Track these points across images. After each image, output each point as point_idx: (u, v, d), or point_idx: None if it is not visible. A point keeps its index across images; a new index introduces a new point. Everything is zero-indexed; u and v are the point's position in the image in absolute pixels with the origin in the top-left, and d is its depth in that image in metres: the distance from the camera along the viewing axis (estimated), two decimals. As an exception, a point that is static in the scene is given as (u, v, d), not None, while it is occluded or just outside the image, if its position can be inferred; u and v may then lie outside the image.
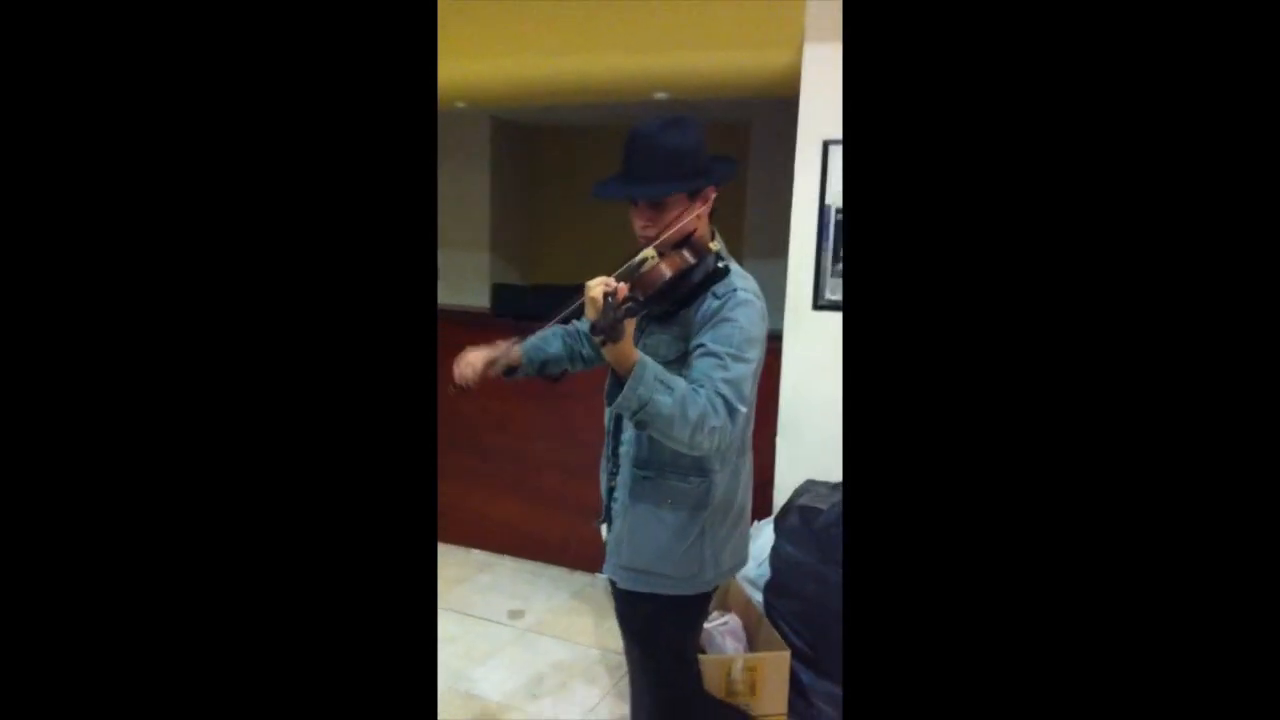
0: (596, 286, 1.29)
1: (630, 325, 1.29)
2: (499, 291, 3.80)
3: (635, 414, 1.32)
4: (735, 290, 1.44)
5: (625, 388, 1.30)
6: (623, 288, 1.30)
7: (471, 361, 1.58)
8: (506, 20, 3.04)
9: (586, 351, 1.74)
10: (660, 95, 3.03)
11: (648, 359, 1.33)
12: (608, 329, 1.24)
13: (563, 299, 1.50)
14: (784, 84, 2.66)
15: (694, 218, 1.46)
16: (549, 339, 1.73)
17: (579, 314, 1.50)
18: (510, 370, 1.68)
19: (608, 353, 1.30)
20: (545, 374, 1.73)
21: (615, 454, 1.60)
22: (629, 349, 1.30)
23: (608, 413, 1.62)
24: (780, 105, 2.97)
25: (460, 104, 3.49)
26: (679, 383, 1.34)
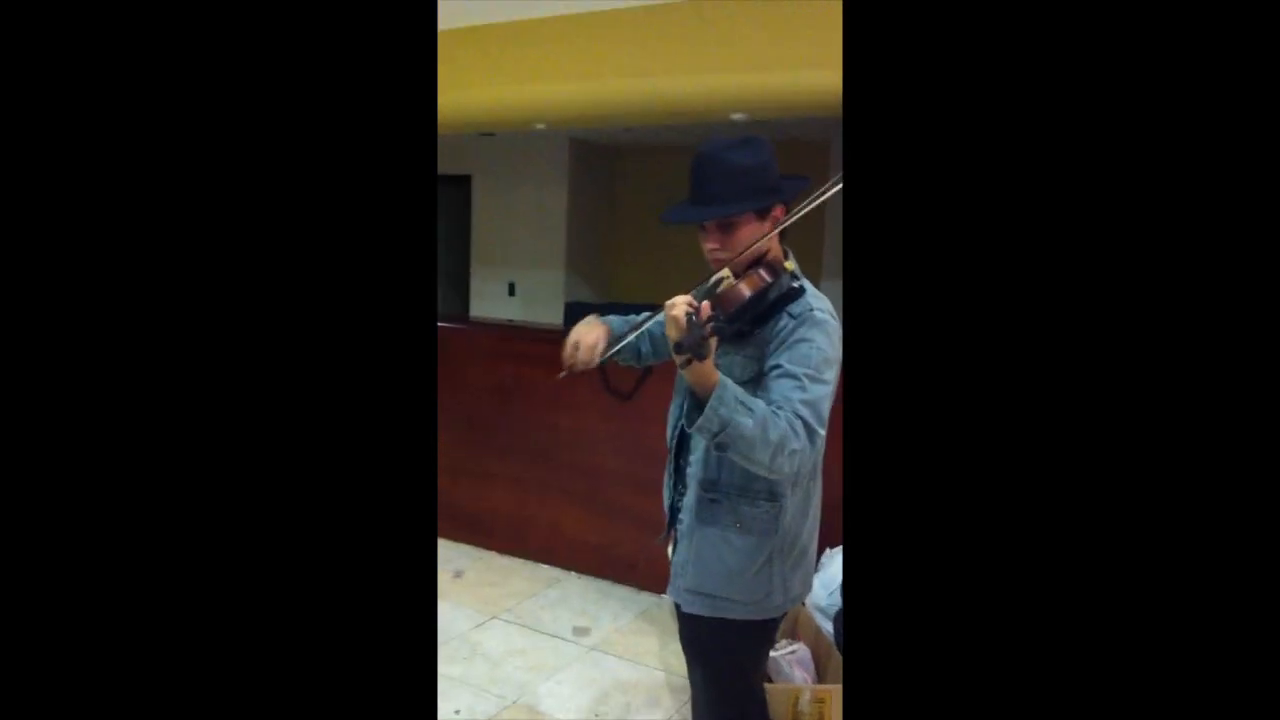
0: (680, 305, 1.26)
1: (713, 344, 1.27)
2: (572, 309, 3.85)
3: (716, 435, 1.29)
4: (811, 310, 1.41)
5: (707, 409, 1.27)
6: (705, 305, 1.28)
7: (592, 345, 1.52)
8: (584, 42, 3.10)
9: (645, 348, 1.71)
10: (737, 116, 3.03)
11: (728, 380, 1.31)
12: (694, 346, 1.22)
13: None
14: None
15: (765, 238, 1.44)
16: (641, 335, 1.68)
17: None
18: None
19: (689, 374, 1.28)
20: (616, 358, 1.67)
21: (679, 473, 1.58)
22: (711, 369, 1.28)
23: (669, 431, 1.60)
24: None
25: (539, 125, 3.57)
26: (759, 404, 1.31)
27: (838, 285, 3.59)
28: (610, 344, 1.56)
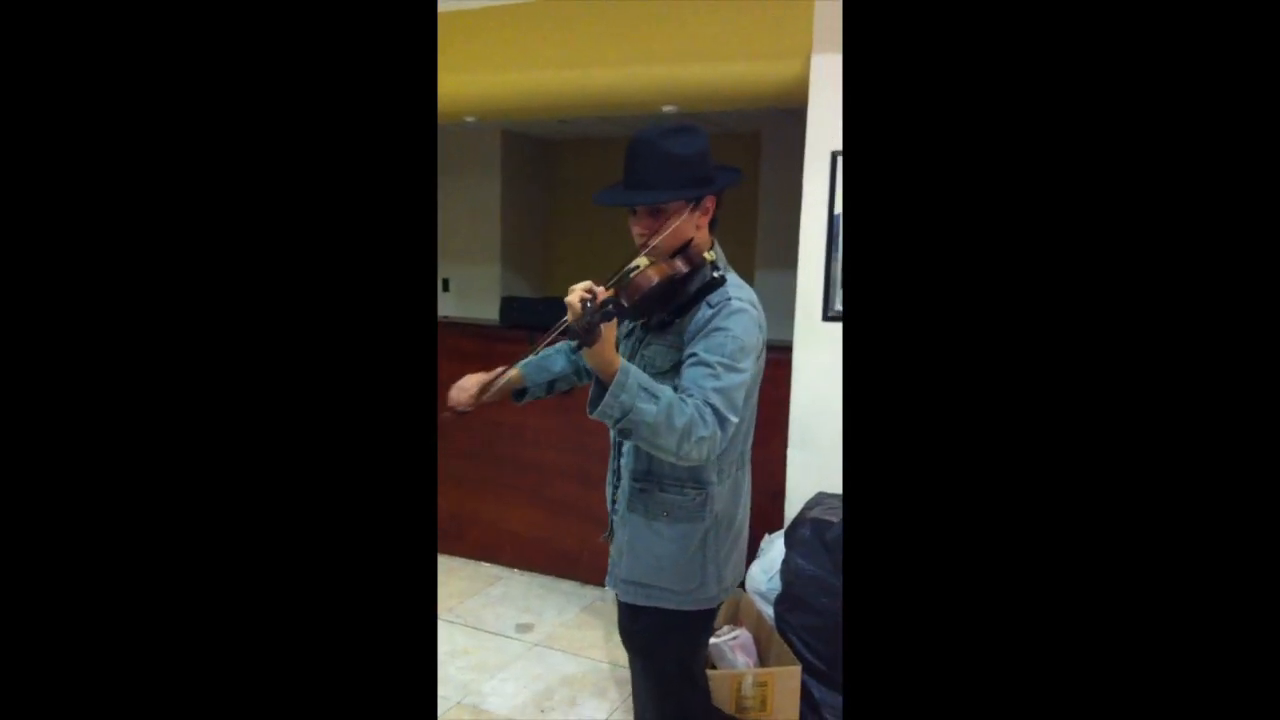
0: (576, 291, 1.27)
1: (611, 330, 1.27)
2: (507, 304, 3.80)
3: (617, 422, 1.30)
4: (730, 299, 1.42)
5: (607, 395, 1.28)
6: (602, 292, 1.29)
7: (465, 387, 1.57)
8: (515, 34, 3.06)
9: (560, 372, 1.73)
10: (669, 108, 3.03)
11: (631, 366, 1.31)
12: (582, 332, 1.23)
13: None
14: (792, 95, 2.66)
15: (691, 226, 1.44)
16: (553, 357, 1.72)
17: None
18: (519, 394, 1.69)
19: (587, 358, 1.29)
20: (557, 391, 1.72)
21: (619, 467, 1.59)
22: (610, 355, 1.28)
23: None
24: (789, 115, 2.97)
25: (470, 118, 3.51)
26: (665, 391, 1.32)
27: (771, 275, 3.64)
28: (503, 383, 1.59)
